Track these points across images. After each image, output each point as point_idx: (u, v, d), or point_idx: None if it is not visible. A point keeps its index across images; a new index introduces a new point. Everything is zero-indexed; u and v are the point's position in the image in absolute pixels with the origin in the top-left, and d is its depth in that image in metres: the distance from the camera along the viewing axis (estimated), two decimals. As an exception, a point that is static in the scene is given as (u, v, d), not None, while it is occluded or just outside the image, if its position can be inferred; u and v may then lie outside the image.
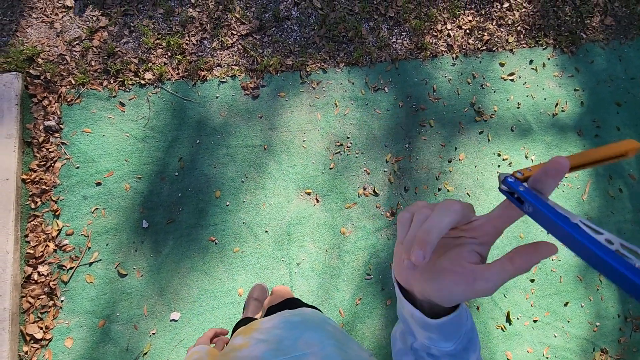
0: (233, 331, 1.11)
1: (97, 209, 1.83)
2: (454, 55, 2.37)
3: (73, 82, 1.95)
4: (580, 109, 2.40)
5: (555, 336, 2.01)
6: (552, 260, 2.11)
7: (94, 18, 2.06)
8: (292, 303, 1.10)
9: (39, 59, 1.95)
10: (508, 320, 1.99)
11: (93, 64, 2.00)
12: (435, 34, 2.38)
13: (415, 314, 0.40)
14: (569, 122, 2.37)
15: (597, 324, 2.05)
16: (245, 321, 1.05)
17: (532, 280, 2.06)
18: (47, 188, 1.81)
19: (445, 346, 0.41)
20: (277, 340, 0.65)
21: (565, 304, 2.05)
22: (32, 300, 1.67)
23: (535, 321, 2.01)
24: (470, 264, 0.36)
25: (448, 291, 0.36)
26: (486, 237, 0.38)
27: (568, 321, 2.04)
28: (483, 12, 2.48)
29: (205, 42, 2.15)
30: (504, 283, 0.33)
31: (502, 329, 1.97)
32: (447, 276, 0.36)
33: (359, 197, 2.06)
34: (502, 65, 2.40)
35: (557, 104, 2.38)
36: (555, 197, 2.21)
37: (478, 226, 0.38)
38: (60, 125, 1.90)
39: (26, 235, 1.74)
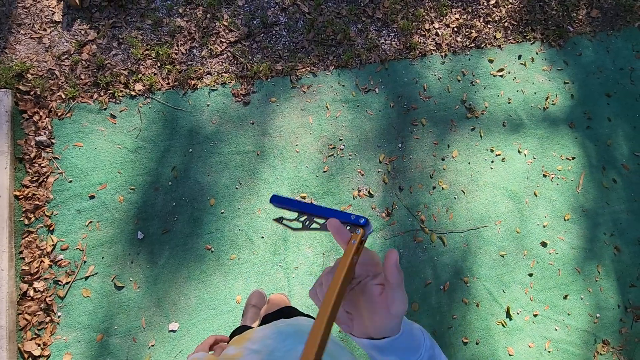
0: (230, 338, 1.11)
1: (91, 222, 1.82)
2: (442, 54, 2.38)
3: (63, 96, 1.95)
4: (570, 101, 2.42)
5: (556, 329, 2.00)
6: (549, 253, 2.11)
7: (82, 32, 2.07)
8: (288, 312, 1.09)
9: (29, 75, 1.95)
10: (508, 315, 1.98)
11: (83, 77, 2.01)
12: (423, 33, 2.40)
13: (365, 342, 0.45)
14: (560, 115, 2.38)
15: (598, 315, 2.05)
16: (240, 329, 1.04)
17: (531, 275, 2.06)
18: (40, 203, 1.80)
19: None
20: (269, 351, 0.64)
21: (565, 297, 2.05)
22: (28, 317, 1.66)
23: (535, 315, 2.01)
24: (379, 296, 0.43)
25: (377, 325, 0.43)
26: (372, 269, 0.46)
27: (568, 314, 2.03)
28: (470, 10, 2.49)
29: (195, 50, 2.15)
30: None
31: (502, 324, 1.97)
32: (369, 315, 0.44)
33: (354, 199, 2.06)
34: (491, 61, 2.41)
35: (547, 98, 2.39)
36: (548, 190, 2.22)
37: (362, 265, 0.46)
38: (52, 140, 1.89)
39: (21, 252, 1.74)
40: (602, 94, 2.46)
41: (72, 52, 2.03)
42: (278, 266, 1.90)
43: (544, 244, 2.12)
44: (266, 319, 1.08)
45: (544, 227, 2.15)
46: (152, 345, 1.72)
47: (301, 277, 1.90)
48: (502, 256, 2.07)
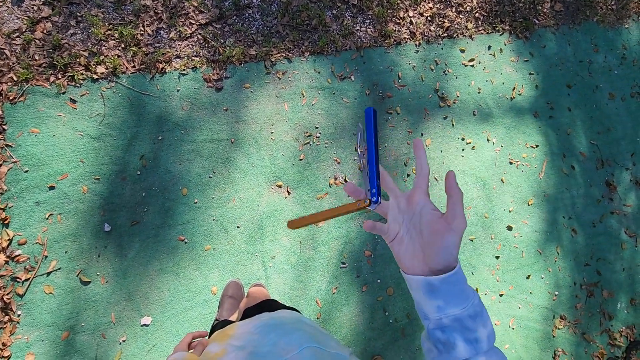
0: (210, 333, 1.08)
1: (52, 214, 1.71)
2: (416, 43, 2.40)
3: (15, 78, 1.79)
4: (535, 91, 2.53)
5: (519, 307, 2.13)
6: (514, 237, 2.23)
7: (35, 8, 1.89)
8: (269, 305, 1.08)
9: (-28, 54, 1.76)
10: (477, 296, 2.09)
11: (37, 58, 1.84)
12: (398, 21, 2.40)
13: (420, 280, 0.48)
14: (526, 104, 2.49)
15: (556, 293, 2.20)
16: (221, 324, 1.02)
17: (497, 257, 2.17)
18: (-8, 195, 1.66)
19: (453, 311, 0.48)
20: (254, 346, 0.63)
21: (528, 277, 2.19)
22: (-16, 317, 1.54)
23: (501, 295, 2.12)
24: (440, 217, 0.49)
25: (443, 246, 0.47)
26: (422, 196, 0.52)
27: (530, 293, 2.17)
28: (443, -1, 2.52)
29: (162, 32, 2.03)
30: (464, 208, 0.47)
31: (471, 305, 2.07)
32: (434, 237, 0.47)
33: (330, 187, 2.06)
34: (462, 51, 2.47)
35: (514, 88, 2.49)
36: (514, 177, 2.33)
37: (410, 196, 0.53)
38: (3, 126, 1.74)
39: (-28, 248, 1.60)
40: (564, 84, 2.60)
41: (23, 30, 1.86)
42: (254, 256, 1.88)
43: (509, 228, 2.23)
44: (247, 314, 1.06)
45: (509, 212, 2.26)
46: (124, 341, 1.65)
47: (278, 266, 1.89)
48: (472, 240, 2.16)
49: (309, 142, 2.09)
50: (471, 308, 0.48)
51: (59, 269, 1.67)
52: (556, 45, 2.67)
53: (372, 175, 0.50)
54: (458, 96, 2.38)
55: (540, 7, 2.70)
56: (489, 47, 2.53)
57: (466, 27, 2.52)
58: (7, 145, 1.72)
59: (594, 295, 2.26)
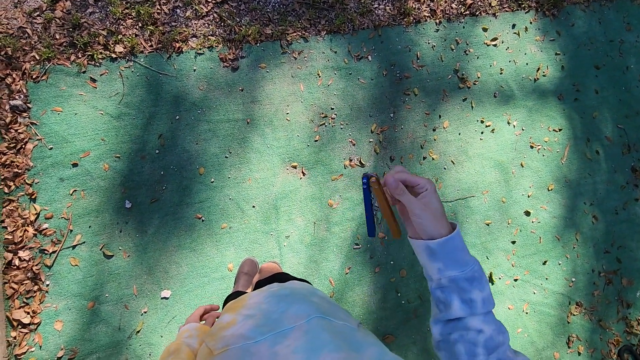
0: (223, 305, 1.11)
1: (75, 190, 1.77)
2: (437, 21, 2.32)
3: (37, 57, 1.83)
4: (560, 73, 2.42)
5: (534, 293, 2.11)
6: (532, 222, 2.19)
7: (54, -14, 1.91)
8: (281, 277, 1.10)
9: (-3, 33, 1.80)
10: (491, 280, 2.07)
11: (57, 37, 1.87)
12: (418, -2, 2.32)
13: (422, 244, 0.56)
14: (550, 86, 2.39)
15: (573, 279, 2.17)
16: (234, 295, 1.05)
17: (514, 242, 2.15)
18: (20, 171, 1.72)
19: (452, 273, 0.54)
20: (264, 315, 0.65)
21: (544, 263, 2.15)
22: (15, 286, 1.63)
23: (515, 280, 2.11)
24: (418, 199, 0.57)
25: (424, 217, 0.56)
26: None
27: (546, 278, 2.14)
28: (466, -25, 2.41)
29: (178, 10, 2.03)
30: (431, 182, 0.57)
31: (485, 289, 2.06)
32: (419, 213, 0.56)
33: (345, 168, 2.05)
34: (485, 30, 2.37)
35: (538, 69, 2.39)
36: (534, 161, 2.27)
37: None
38: (28, 105, 1.79)
39: (2, 221, 1.68)
40: (592, 65, 2.48)
41: (44, 9, 1.88)
42: (269, 235, 1.91)
43: (527, 213, 2.19)
44: (259, 285, 1.09)
45: (528, 196, 2.21)
46: (145, 312, 1.73)
47: (293, 245, 1.92)
48: (488, 225, 2.13)
49: (324, 123, 2.08)
50: (469, 272, 0.54)
51: (84, 242, 1.74)
52: (585, 24, 2.54)
53: (368, 219, 0.67)
54: (479, 77, 2.30)
55: (570, -17, 2.56)
56: (513, 26, 2.42)
57: (490, 4, 2.41)
58: (32, 123, 1.77)
59: (612, 283, 2.21)
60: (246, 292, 1.04)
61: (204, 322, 0.84)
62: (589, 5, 2.57)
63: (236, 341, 0.58)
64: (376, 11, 2.25)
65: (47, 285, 1.67)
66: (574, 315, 2.13)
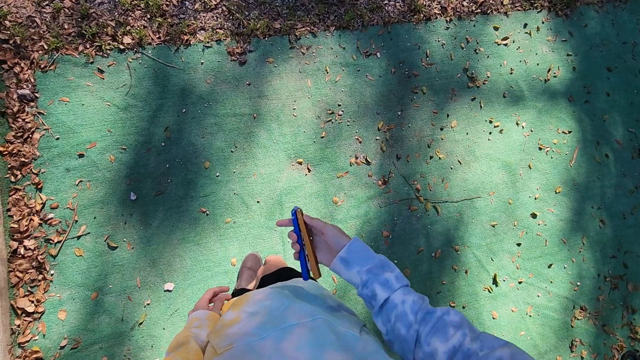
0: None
1: (81, 181, 1.77)
2: (447, 19, 2.29)
3: (46, 46, 1.82)
4: (571, 74, 2.39)
5: (538, 296, 2.10)
6: (538, 224, 2.17)
7: (63, -25, 1.90)
8: (286, 273, 1.09)
9: (6, 22, 1.80)
10: (495, 282, 2.06)
11: (66, 26, 1.87)
12: (429, -5, 2.29)
13: (337, 259, 0.68)
14: (560, 87, 2.36)
15: (578, 283, 2.15)
16: (238, 293, 1.04)
17: (519, 244, 2.13)
18: (26, 160, 1.73)
19: (366, 267, 0.65)
20: (268, 312, 0.64)
21: (549, 266, 2.13)
22: (20, 275, 1.64)
23: (520, 282, 2.09)
24: (323, 237, 0.73)
25: (331, 244, 0.70)
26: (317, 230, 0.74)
27: (551, 282, 2.12)
28: (478, -28, 2.38)
29: (187, 3, 2.02)
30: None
31: (488, 290, 2.04)
32: (325, 245, 0.73)
33: (350, 165, 2.04)
34: (496, 29, 2.34)
35: (549, 70, 2.36)
36: (542, 163, 2.24)
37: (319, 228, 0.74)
38: (35, 94, 1.79)
39: (8, 210, 1.69)
40: (604, 67, 2.44)
41: (53, -1, 1.88)
42: (273, 230, 1.91)
43: (534, 216, 2.17)
44: (264, 281, 1.08)
45: (535, 199, 2.19)
46: (148, 304, 1.73)
47: (296, 241, 1.91)
48: (493, 226, 2.11)
49: (331, 120, 2.06)
50: (378, 262, 0.66)
51: (88, 233, 1.74)
52: (599, 25, 2.50)
53: (302, 264, 0.74)
54: (488, 77, 2.28)
55: (584, -18, 2.51)
56: (525, 25, 2.39)
57: (501, 2, 2.38)
58: (39, 113, 1.78)
59: (618, 287, 2.19)
60: (249, 290, 1.03)
61: (212, 304, 0.84)
62: (603, 6, 2.53)
63: (240, 339, 0.57)
64: (386, 7, 2.23)
65: (52, 274, 1.68)
66: (578, 319, 2.11)
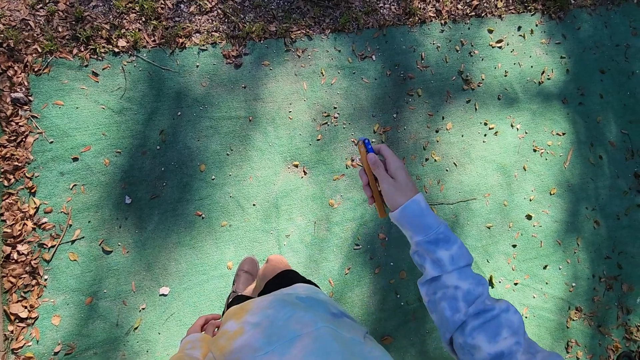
0: (225, 308, 1.10)
1: (75, 185, 1.76)
2: (442, 21, 2.31)
3: (39, 50, 1.81)
4: (565, 76, 2.41)
5: (534, 297, 2.11)
6: (534, 226, 2.18)
7: (57, -22, 1.89)
8: (289, 277, 1.09)
9: (0, 25, 1.79)
10: (490, 284, 2.07)
11: (60, 30, 1.86)
12: (424, -2, 2.30)
13: (395, 215, 0.63)
14: (554, 90, 2.38)
15: (573, 284, 2.16)
16: (237, 300, 1.04)
17: (514, 246, 2.14)
18: (20, 164, 1.71)
19: (417, 238, 0.61)
20: (270, 323, 0.64)
21: (545, 267, 2.14)
22: (13, 280, 1.63)
23: (516, 284, 2.10)
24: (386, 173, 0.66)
25: (393, 185, 0.64)
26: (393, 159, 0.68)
27: (546, 283, 2.13)
28: (472, -24, 2.40)
29: (182, 6, 2.01)
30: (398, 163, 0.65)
31: (485, 292, 2.05)
32: (387, 185, 0.65)
33: (346, 168, 2.04)
34: (490, 31, 2.36)
35: (543, 72, 2.38)
36: (537, 165, 2.25)
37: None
38: (29, 97, 1.78)
39: (1, 214, 1.67)
40: (597, 70, 2.46)
41: (47, 1, 1.87)
42: (269, 234, 1.90)
43: (529, 217, 2.18)
44: (267, 287, 1.08)
45: (530, 200, 2.20)
46: (143, 309, 1.72)
47: (292, 244, 1.91)
48: (489, 228, 2.12)
49: (326, 122, 2.06)
50: (433, 235, 0.60)
51: (83, 237, 1.73)
52: (592, 27, 2.52)
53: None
54: (483, 79, 2.29)
55: (577, -14, 2.54)
56: (519, 28, 2.41)
57: (496, 5, 2.39)
58: (32, 116, 1.76)
59: (612, 288, 2.20)
60: (248, 297, 1.03)
61: (204, 332, 0.83)
62: (596, 9, 2.55)
63: (246, 353, 0.57)
64: (381, 10, 2.24)
65: (45, 279, 1.67)
66: (573, 320, 2.12)
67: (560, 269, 2.17)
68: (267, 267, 1.19)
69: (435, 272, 0.59)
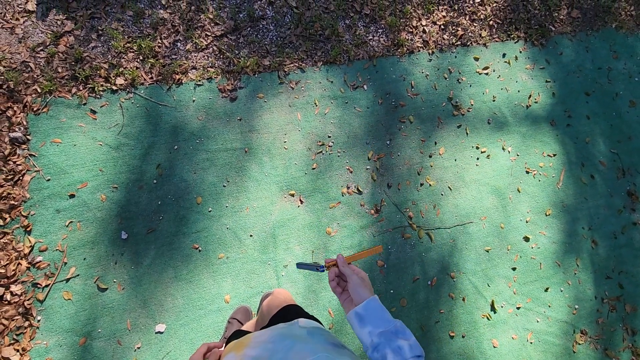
0: (226, 344, 1.09)
1: (71, 222, 1.75)
2: (430, 51, 2.40)
3: (39, 90, 1.86)
4: (552, 99, 2.48)
5: (537, 321, 2.07)
6: (532, 248, 2.18)
7: (59, 22, 1.97)
8: (293, 312, 1.08)
9: (0, 67, 1.84)
10: (493, 309, 2.04)
11: (60, 70, 1.91)
12: (411, 30, 2.40)
13: (352, 313, 0.71)
14: (542, 112, 2.44)
15: (576, 306, 2.13)
16: (236, 335, 1.02)
17: (514, 269, 2.12)
18: (16, 203, 1.72)
19: (379, 329, 0.65)
20: (270, 355, 0.64)
21: (546, 290, 2.12)
22: (6, 322, 1.59)
23: (518, 308, 2.07)
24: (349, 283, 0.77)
25: (355, 293, 0.75)
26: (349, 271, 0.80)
27: (549, 306, 2.11)
28: (456, 7, 2.51)
29: (179, 44, 2.09)
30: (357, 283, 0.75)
31: (487, 317, 2.02)
32: (351, 292, 0.76)
33: (342, 196, 2.05)
34: (476, 59, 2.45)
35: (530, 96, 2.45)
36: (531, 186, 2.28)
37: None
38: (27, 137, 1.80)
39: (-4, 254, 1.65)
40: (582, 92, 2.54)
41: (47, 44, 1.93)
42: (267, 264, 1.89)
43: (526, 239, 2.18)
44: (272, 322, 1.07)
45: (526, 222, 2.21)
46: (139, 348, 1.68)
47: (291, 275, 1.89)
48: (487, 251, 2.12)
49: (321, 151, 2.10)
50: (392, 327, 0.66)
51: (78, 275, 1.71)
52: (573, 52, 2.63)
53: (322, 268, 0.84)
54: (472, 104, 2.35)
55: (556, 14, 2.66)
56: (504, 55, 2.50)
57: (480, 35, 2.50)
58: (30, 155, 1.78)
59: (616, 309, 2.18)
60: (247, 332, 1.01)
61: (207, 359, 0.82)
62: (576, 35, 2.67)
63: None
64: (371, 42, 2.33)
65: (39, 320, 1.63)
66: (579, 344, 2.08)
67: (561, 291, 2.15)
68: (272, 300, 1.18)
69: None
